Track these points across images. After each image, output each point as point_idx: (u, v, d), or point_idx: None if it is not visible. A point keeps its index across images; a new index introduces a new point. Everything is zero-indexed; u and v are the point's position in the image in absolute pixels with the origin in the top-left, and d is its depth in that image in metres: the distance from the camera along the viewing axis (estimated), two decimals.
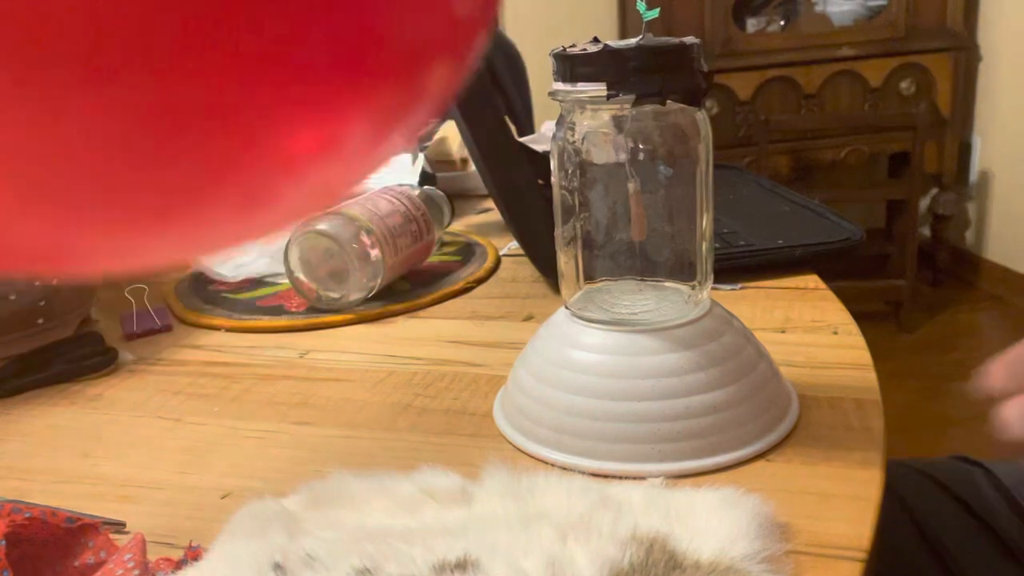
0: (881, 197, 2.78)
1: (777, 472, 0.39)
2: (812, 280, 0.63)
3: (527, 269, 0.70)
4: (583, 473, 0.39)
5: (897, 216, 2.77)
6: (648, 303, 0.44)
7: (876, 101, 2.60)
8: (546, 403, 0.42)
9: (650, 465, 0.39)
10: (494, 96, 0.58)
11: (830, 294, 0.60)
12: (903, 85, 2.59)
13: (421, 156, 0.87)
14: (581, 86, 0.40)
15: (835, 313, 0.57)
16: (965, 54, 2.60)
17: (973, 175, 2.78)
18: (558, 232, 0.44)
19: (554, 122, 0.97)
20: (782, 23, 2.63)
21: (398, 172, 0.85)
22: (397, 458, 0.43)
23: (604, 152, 0.42)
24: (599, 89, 0.39)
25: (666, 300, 0.44)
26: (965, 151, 2.75)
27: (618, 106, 0.40)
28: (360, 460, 0.43)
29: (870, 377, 0.47)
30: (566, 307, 0.45)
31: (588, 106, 0.41)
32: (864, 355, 0.50)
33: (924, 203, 2.73)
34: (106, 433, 0.48)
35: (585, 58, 0.39)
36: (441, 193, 0.74)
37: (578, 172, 0.43)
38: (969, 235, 2.84)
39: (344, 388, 0.52)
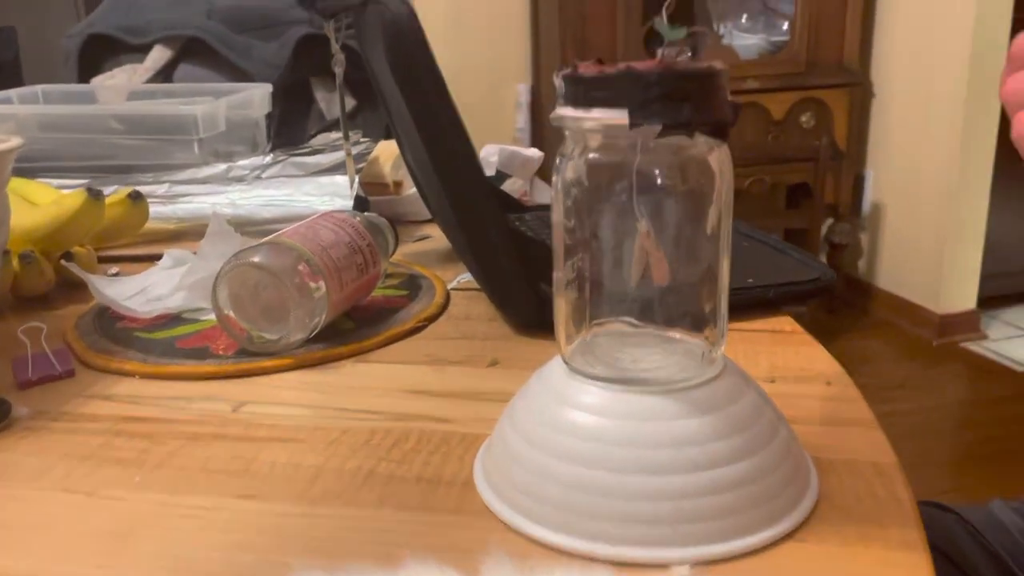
0: (782, 226, 2.85)
1: (815, 556, 0.34)
2: (788, 323, 0.60)
3: (481, 305, 0.64)
4: (599, 561, 0.34)
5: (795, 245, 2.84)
6: (655, 357, 0.39)
7: (779, 133, 2.67)
8: (545, 475, 0.37)
9: (673, 550, 0.34)
10: (453, 109, 0.53)
11: (811, 339, 0.57)
12: (803, 118, 2.68)
13: (357, 179, 0.80)
14: (596, 112, 0.34)
15: (823, 361, 0.53)
16: (860, 90, 2.71)
17: (866, 206, 2.89)
18: (557, 275, 0.39)
19: (496, 147, 0.92)
20: (690, 54, 2.66)
21: (334, 196, 0.78)
22: (369, 542, 0.36)
23: (612, 188, 0.37)
24: (619, 117, 0.34)
25: (675, 354, 0.39)
26: (859, 183, 2.86)
27: (635, 137, 0.35)
28: (324, 546, 0.36)
29: (879, 437, 0.44)
30: (564, 360, 0.39)
31: (601, 136, 0.36)
32: (864, 409, 0.47)
33: (821, 232, 2.81)
34: (2, 512, 0.40)
35: (602, 81, 0.34)
36: (384, 220, 0.67)
37: (582, 208, 0.37)
38: (862, 264, 2.95)
39: (292, 450, 0.45)
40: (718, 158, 0.36)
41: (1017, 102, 0.31)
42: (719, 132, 0.35)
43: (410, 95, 0.51)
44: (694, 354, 0.38)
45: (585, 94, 0.34)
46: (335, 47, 0.68)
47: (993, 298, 2.72)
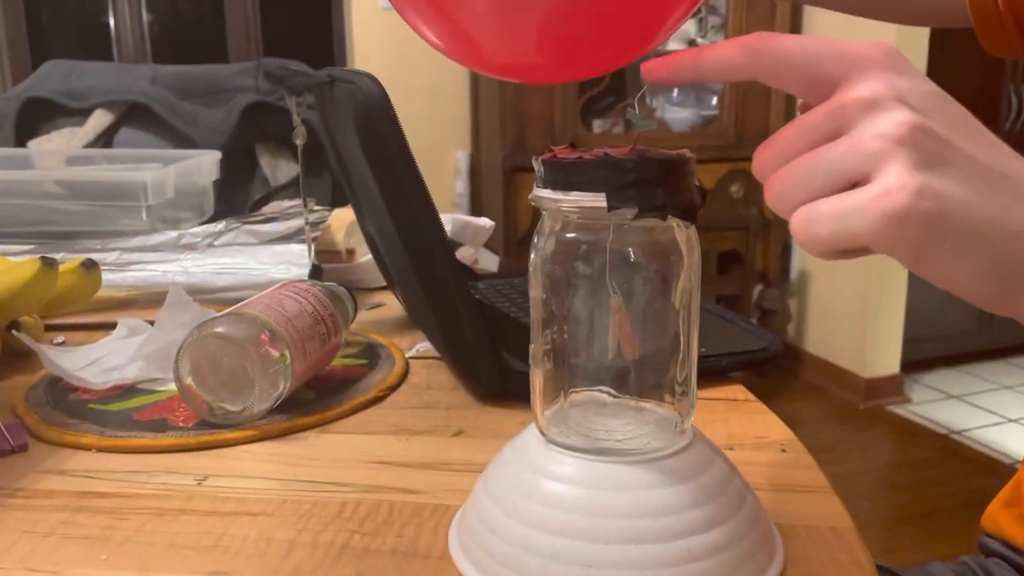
0: (714, 292, 2.93)
1: None
2: (740, 391, 0.62)
3: (441, 374, 0.65)
4: None
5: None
6: (628, 427, 0.40)
7: (710, 202, 2.75)
8: (524, 546, 0.37)
9: None
10: (421, 184, 0.54)
11: (763, 406, 0.59)
12: (733, 188, 2.78)
13: (313, 248, 0.81)
14: (574, 195, 0.36)
15: (776, 428, 0.55)
16: None
17: (793, 273, 2.99)
18: (534, 347, 0.40)
19: (448, 216, 0.94)
20: (625, 127, 2.76)
21: (290, 264, 0.78)
22: None
23: (587, 264, 0.39)
24: (596, 200, 0.36)
25: (647, 424, 0.40)
26: (786, 251, 2.97)
27: (611, 219, 0.37)
28: None
29: (835, 501, 0.46)
30: (540, 431, 0.40)
31: (578, 216, 0.38)
32: (819, 476, 0.49)
33: (752, 298, 2.90)
34: None
35: (580, 166, 0.36)
36: (344, 289, 0.68)
37: (558, 284, 0.39)
38: (791, 329, 3.04)
39: (262, 525, 0.44)
40: (687, 238, 0.39)
41: (763, 172, 0.34)
42: (689, 214, 0.37)
43: (381, 171, 0.53)
44: (666, 424, 0.40)
45: (564, 178, 0.36)
46: (297, 120, 0.69)
47: (915, 362, 2.83)
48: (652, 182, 0.36)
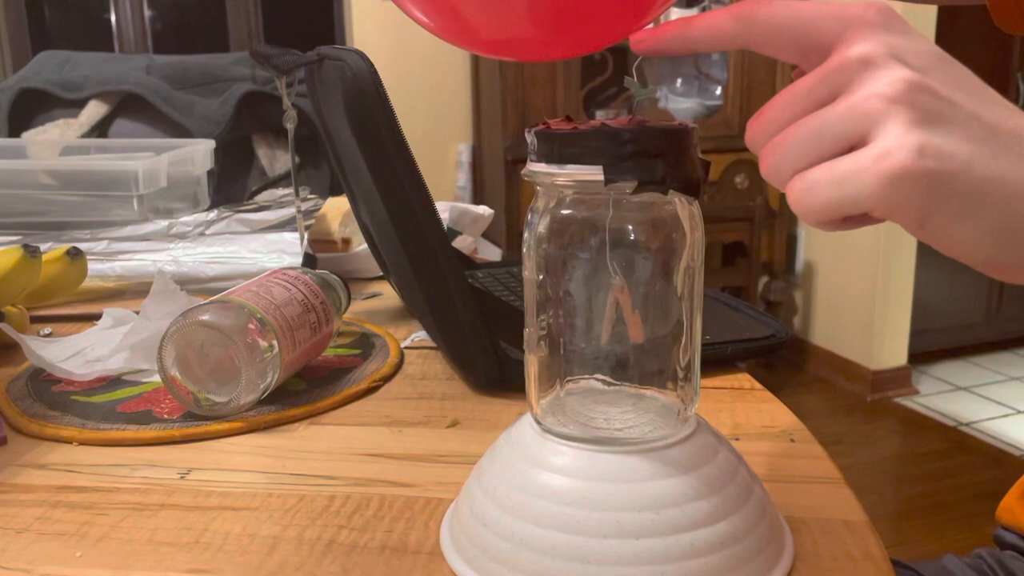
0: (719, 284, 2.91)
1: None
2: (746, 380, 0.60)
3: (437, 364, 0.63)
4: None
5: None
6: (628, 416, 0.38)
7: (714, 193, 2.74)
8: (519, 541, 0.35)
9: None
10: (413, 165, 0.52)
11: (770, 395, 0.57)
12: (738, 179, 2.75)
13: (306, 235, 0.79)
14: (570, 168, 0.34)
15: (783, 417, 0.53)
16: None
17: (799, 265, 2.97)
18: (529, 332, 0.38)
19: (447, 204, 0.92)
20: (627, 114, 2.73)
21: (282, 253, 0.76)
22: None
23: (584, 243, 0.36)
24: (593, 173, 0.34)
25: (648, 411, 0.38)
26: (792, 243, 2.94)
27: (609, 193, 0.34)
28: None
29: (847, 493, 0.44)
30: (535, 419, 0.38)
31: (573, 191, 0.35)
32: (830, 467, 0.47)
33: (757, 290, 2.87)
34: None
35: (576, 137, 0.34)
36: (336, 277, 0.66)
37: (553, 264, 0.37)
38: (797, 321, 3.01)
39: (246, 520, 0.42)
40: (690, 214, 0.36)
41: (757, 143, 0.32)
42: (691, 189, 0.35)
43: (369, 151, 0.50)
44: (668, 412, 0.38)
45: (559, 150, 0.34)
46: (287, 103, 0.67)
47: (923, 354, 2.80)
48: (652, 154, 0.33)
